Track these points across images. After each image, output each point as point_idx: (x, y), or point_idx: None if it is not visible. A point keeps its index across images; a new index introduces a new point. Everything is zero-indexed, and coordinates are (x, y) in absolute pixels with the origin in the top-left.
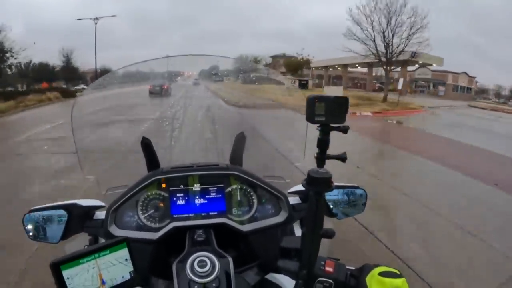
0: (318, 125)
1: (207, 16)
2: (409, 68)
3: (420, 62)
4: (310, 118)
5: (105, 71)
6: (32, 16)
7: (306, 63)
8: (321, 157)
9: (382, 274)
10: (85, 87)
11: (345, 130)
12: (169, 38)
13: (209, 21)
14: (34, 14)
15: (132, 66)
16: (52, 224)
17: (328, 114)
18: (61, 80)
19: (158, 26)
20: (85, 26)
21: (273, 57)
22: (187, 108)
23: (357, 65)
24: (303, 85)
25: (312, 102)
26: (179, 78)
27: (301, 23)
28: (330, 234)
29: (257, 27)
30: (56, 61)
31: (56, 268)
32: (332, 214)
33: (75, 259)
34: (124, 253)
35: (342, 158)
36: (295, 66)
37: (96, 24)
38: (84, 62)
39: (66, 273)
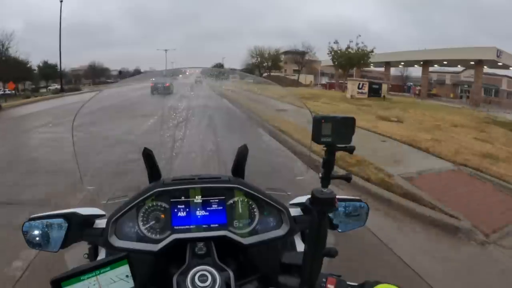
0: (323, 145)
1: (209, 13)
2: (451, 69)
3: (500, 63)
4: (316, 138)
5: (94, 68)
6: (31, 13)
7: (363, 56)
8: (326, 177)
9: None
10: (57, 87)
11: (351, 150)
12: (170, 36)
13: (210, 18)
14: (33, 11)
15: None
16: (52, 233)
17: (335, 135)
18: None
19: (159, 23)
20: (85, 24)
21: (285, 52)
22: (189, 112)
23: (402, 63)
24: (375, 92)
25: (318, 123)
26: (180, 76)
27: (303, 22)
28: (332, 253)
29: (259, 25)
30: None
31: (57, 285)
32: (333, 227)
33: (76, 275)
34: (125, 269)
35: (347, 178)
36: (350, 60)
37: (61, 1)
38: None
39: None
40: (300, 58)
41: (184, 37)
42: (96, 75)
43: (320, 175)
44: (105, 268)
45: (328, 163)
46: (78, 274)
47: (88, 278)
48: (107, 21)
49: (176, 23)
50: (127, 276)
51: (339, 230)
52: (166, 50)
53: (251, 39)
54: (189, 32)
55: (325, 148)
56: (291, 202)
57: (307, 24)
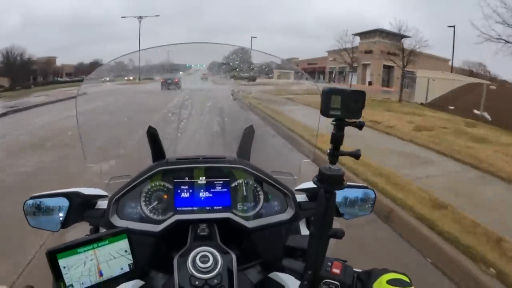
0: (332, 119)
1: (212, 7)
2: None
3: None
4: (325, 111)
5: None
6: (29, 5)
7: None
8: (334, 154)
9: (390, 282)
10: None
11: (360, 126)
12: (172, 31)
13: (214, 12)
14: (32, 3)
15: (129, 56)
16: (53, 212)
17: (344, 109)
18: None
19: (161, 18)
20: (86, 18)
21: (363, 34)
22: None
23: None
24: None
25: (327, 95)
26: (181, 73)
27: (312, 17)
28: (339, 235)
29: (264, 20)
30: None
31: (53, 257)
32: (339, 214)
33: (72, 248)
34: (124, 244)
35: (356, 155)
36: None
37: None
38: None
39: (62, 262)
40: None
41: (187, 31)
42: (17, 71)
43: (328, 151)
44: (103, 241)
45: (337, 139)
46: (74, 246)
47: (85, 251)
48: (106, 15)
49: (178, 18)
50: (125, 251)
51: (345, 218)
52: (139, 18)
53: (256, 34)
54: (192, 28)
55: (333, 123)
56: (297, 188)
57: (316, 20)
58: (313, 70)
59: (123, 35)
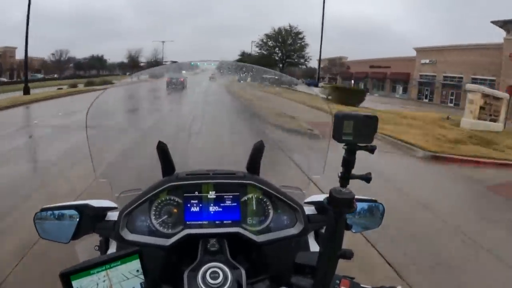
0: (344, 144)
1: (220, 7)
2: None
3: None
4: (337, 136)
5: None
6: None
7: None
8: (345, 177)
9: None
10: None
11: (371, 150)
12: (179, 29)
13: (221, 12)
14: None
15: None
16: (63, 224)
17: (356, 133)
18: None
19: (168, 16)
20: (87, 15)
21: None
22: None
23: None
24: None
25: (340, 120)
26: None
27: (319, 19)
28: (348, 255)
29: (272, 22)
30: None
31: (66, 278)
32: (347, 227)
33: (85, 269)
34: (136, 264)
35: (367, 178)
36: None
37: None
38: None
39: (76, 284)
40: None
41: (193, 30)
42: None
43: (339, 174)
44: (115, 262)
45: (348, 162)
46: (88, 267)
47: (98, 272)
48: (112, 11)
49: (185, 16)
50: (137, 271)
51: (353, 231)
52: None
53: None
54: (198, 26)
55: (345, 147)
56: (306, 200)
57: (326, 22)
58: (382, 76)
59: (128, 33)
